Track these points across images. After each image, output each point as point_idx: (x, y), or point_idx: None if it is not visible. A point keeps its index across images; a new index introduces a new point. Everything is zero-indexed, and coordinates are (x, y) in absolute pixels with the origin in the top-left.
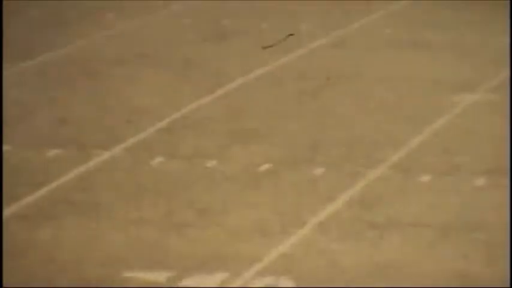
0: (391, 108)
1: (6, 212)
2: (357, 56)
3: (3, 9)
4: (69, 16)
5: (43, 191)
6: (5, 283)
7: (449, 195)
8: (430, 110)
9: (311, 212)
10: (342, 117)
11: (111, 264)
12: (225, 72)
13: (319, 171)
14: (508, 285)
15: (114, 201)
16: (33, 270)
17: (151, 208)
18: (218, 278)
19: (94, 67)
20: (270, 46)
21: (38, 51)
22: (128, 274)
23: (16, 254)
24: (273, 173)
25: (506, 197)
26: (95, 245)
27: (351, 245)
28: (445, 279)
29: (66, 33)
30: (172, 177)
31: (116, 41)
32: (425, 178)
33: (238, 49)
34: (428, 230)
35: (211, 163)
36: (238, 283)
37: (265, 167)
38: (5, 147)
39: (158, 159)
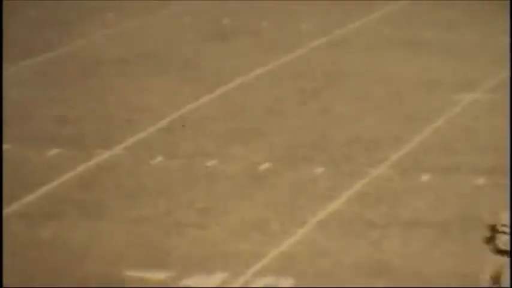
0: (391, 107)
1: (7, 211)
2: (357, 55)
3: (3, 9)
4: (69, 16)
5: (43, 190)
6: (5, 281)
7: (449, 194)
8: (430, 109)
9: (311, 211)
10: (342, 117)
11: (112, 263)
12: (224, 71)
13: (319, 170)
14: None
15: (114, 201)
16: (34, 269)
17: (151, 207)
18: (218, 277)
19: (94, 67)
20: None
21: (38, 51)
22: (128, 273)
23: (17, 252)
24: (273, 172)
25: (506, 196)
26: (95, 243)
27: (351, 244)
28: (445, 278)
29: (66, 33)
30: (172, 177)
31: (116, 41)
32: (425, 177)
33: (238, 49)
34: (428, 229)
35: (211, 162)
36: (238, 282)
37: (265, 166)
38: (5, 147)
39: (158, 159)
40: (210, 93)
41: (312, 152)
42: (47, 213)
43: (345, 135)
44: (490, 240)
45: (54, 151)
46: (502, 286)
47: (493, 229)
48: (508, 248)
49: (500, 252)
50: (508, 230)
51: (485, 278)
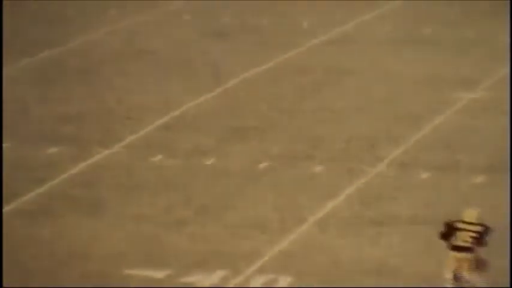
0: (390, 105)
1: (6, 209)
2: (357, 53)
3: (4, 6)
4: (70, 13)
5: (43, 188)
6: (5, 279)
7: (448, 192)
8: (430, 107)
9: (310, 209)
10: (341, 114)
11: (111, 260)
12: (224, 69)
13: (318, 168)
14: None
15: (113, 198)
16: (33, 266)
17: (150, 205)
18: (218, 275)
19: (94, 64)
20: None
21: (38, 48)
22: (127, 271)
23: (16, 249)
24: (272, 170)
25: (505, 194)
26: (94, 241)
27: (351, 242)
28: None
29: (67, 30)
30: (171, 175)
31: (116, 38)
32: (425, 175)
33: (238, 46)
34: (427, 227)
35: (210, 160)
36: (238, 280)
37: (264, 164)
38: (5, 144)
39: (158, 157)
40: (210, 91)
41: (311, 150)
42: (46, 211)
43: (344, 133)
44: (446, 236)
45: (53, 149)
46: (463, 285)
47: (450, 226)
48: (467, 245)
49: (457, 248)
50: (467, 227)
51: (448, 278)
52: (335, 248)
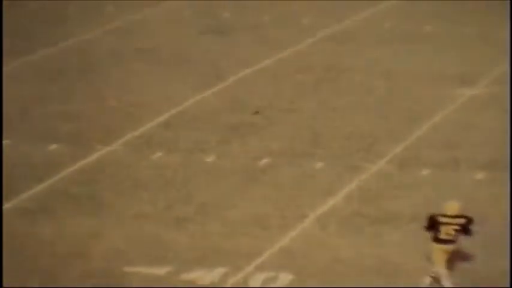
0: (390, 102)
1: (6, 206)
2: (357, 49)
3: (3, 4)
4: (69, 11)
5: (43, 186)
6: (5, 277)
7: (449, 189)
8: (430, 104)
9: (311, 207)
10: (341, 111)
11: (112, 258)
12: (224, 66)
13: (318, 165)
14: (508, 283)
15: (113, 196)
16: (34, 264)
17: (150, 202)
18: (218, 272)
19: (94, 62)
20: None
21: (38, 46)
22: (128, 269)
23: (17, 248)
24: (273, 167)
25: (506, 191)
26: (95, 239)
27: (351, 239)
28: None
29: (66, 27)
30: (171, 172)
31: (115, 35)
32: (425, 172)
33: (238, 43)
34: None
35: (210, 157)
36: (238, 277)
37: (264, 161)
38: (5, 142)
39: (158, 154)
40: (210, 87)
41: (311, 147)
42: (47, 208)
43: (345, 130)
44: (431, 229)
45: (53, 147)
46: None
47: (433, 219)
48: (451, 238)
49: (440, 241)
50: (450, 220)
51: (426, 282)
52: (335, 246)
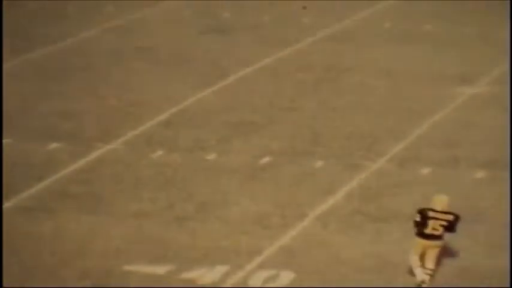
0: (390, 101)
1: (7, 205)
2: (357, 49)
3: (4, 2)
4: (68, 10)
5: (43, 184)
6: (5, 276)
7: (449, 187)
8: (430, 103)
9: (311, 205)
10: (341, 110)
11: (112, 257)
12: (224, 65)
13: (319, 164)
14: (508, 283)
15: (114, 195)
16: (34, 263)
17: (151, 201)
18: (219, 271)
19: (94, 60)
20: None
21: (38, 44)
22: (128, 267)
23: (17, 246)
24: (273, 166)
25: (506, 190)
26: (95, 238)
27: (351, 238)
28: (445, 272)
29: (66, 26)
30: (171, 171)
31: (115, 34)
32: (425, 171)
33: (238, 42)
34: None
35: (211, 156)
36: (239, 276)
37: (265, 159)
38: (5, 141)
39: (158, 153)
40: (210, 86)
41: (311, 146)
42: (46, 207)
43: (345, 129)
44: (420, 224)
45: (54, 145)
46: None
47: (422, 214)
48: (438, 233)
49: (426, 236)
50: (438, 215)
51: (412, 263)
52: (336, 244)
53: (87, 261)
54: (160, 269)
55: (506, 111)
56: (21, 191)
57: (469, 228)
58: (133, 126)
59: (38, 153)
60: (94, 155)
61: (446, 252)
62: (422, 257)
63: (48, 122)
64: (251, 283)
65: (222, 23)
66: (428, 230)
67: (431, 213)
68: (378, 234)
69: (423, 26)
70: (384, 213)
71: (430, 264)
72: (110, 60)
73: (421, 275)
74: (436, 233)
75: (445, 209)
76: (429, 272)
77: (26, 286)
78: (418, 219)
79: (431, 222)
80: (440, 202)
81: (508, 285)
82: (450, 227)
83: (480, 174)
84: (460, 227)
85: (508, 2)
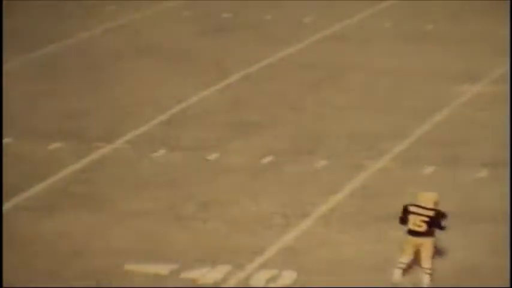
0: (392, 100)
1: (7, 205)
2: (358, 48)
3: (4, 2)
4: (70, 9)
5: (45, 184)
6: (5, 276)
7: (451, 186)
8: (432, 101)
9: (313, 204)
10: (343, 109)
11: (113, 256)
12: (226, 64)
13: (321, 163)
14: (508, 283)
15: (115, 194)
16: (36, 262)
17: (152, 200)
18: (221, 270)
19: (95, 60)
20: None
21: (39, 44)
22: (130, 267)
23: (18, 246)
24: (275, 166)
25: (508, 189)
26: (97, 237)
27: (354, 237)
28: (447, 271)
29: (67, 25)
30: (173, 170)
31: (116, 34)
32: (428, 170)
33: (239, 42)
34: None
35: (213, 155)
36: (241, 275)
37: (267, 159)
38: (6, 140)
39: (160, 152)
40: (211, 86)
41: (314, 145)
42: (48, 206)
43: (347, 128)
44: (401, 219)
45: (55, 144)
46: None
47: (405, 210)
48: (421, 229)
49: (410, 232)
50: (419, 211)
51: (401, 261)
52: (338, 244)
53: (88, 260)
54: (162, 269)
55: (507, 110)
56: (23, 190)
57: (469, 228)
58: (135, 125)
59: (39, 153)
60: (96, 154)
61: (445, 252)
62: (418, 257)
63: (50, 122)
64: (253, 283)
65: (223, 23)
66: (410, 226)
67: (411, 208)
68: (381, 234)
69: (426, 25)
70: (387, 213)
71: (426, 263)
72: (111, 59)
73: (397, 276)
74: (418, 229)
75: (429, 206)
76: (427, 271)
77: (26, 286)
78: (402, 214)
79: (411, 218)
80: (424, 198)
81: (508, 285)
82: (433, 223)
83: (482, 173)
84: (460, 226)
85: (508, 2)
